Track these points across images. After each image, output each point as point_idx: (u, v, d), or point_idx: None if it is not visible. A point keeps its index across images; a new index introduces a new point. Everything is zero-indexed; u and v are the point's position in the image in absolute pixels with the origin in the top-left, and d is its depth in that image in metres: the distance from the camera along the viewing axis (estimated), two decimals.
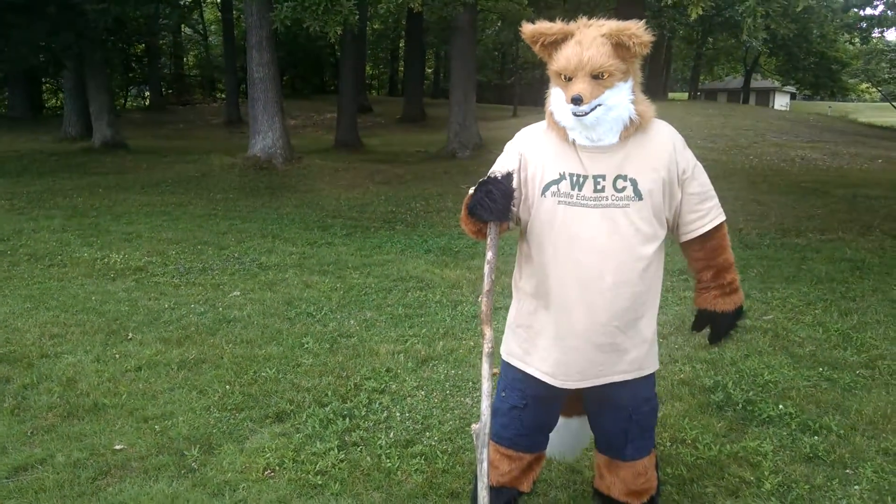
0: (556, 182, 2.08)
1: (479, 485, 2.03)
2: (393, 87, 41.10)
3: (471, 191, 2.09)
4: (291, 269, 6.51)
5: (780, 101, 47.03)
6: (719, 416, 3.53)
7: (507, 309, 5.18)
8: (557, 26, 2.04)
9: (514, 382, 2.30)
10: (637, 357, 2.19)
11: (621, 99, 2.01)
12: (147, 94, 34.69)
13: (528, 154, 2.15)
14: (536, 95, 40.48)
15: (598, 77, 1.98)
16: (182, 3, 24.25)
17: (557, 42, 2.04)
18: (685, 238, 2.22)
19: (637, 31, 1.95)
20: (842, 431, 3.32)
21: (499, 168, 2.17)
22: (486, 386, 2.01)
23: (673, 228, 2.22)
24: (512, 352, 2.30)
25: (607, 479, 2.44)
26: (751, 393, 3.77)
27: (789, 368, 4.13)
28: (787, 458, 3.11)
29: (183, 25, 35.04)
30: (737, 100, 40.76)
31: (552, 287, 2.13)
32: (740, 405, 3.62)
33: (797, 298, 5.62)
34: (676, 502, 2.78)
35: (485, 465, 2.01)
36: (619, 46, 1.97)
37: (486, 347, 2.02)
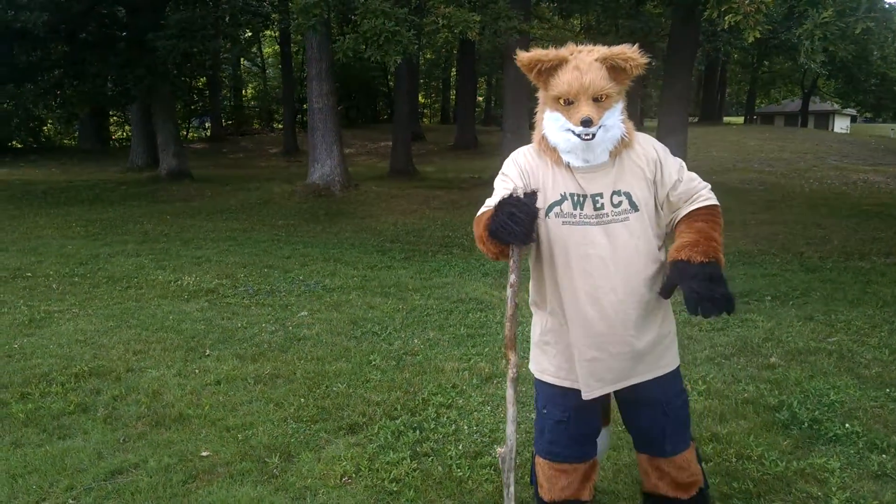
0: (559, 203, 2.18)
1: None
2: (445, 115, 41.67)
3: (483, 209, 2.16)
4: (354, 291, 6.72)
5: (840, 124, 45.95)
6: (785, 434, 3.55)
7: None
8: (553, 53, 2.13)
9: (553, 398, 2.37)
10: (655, 356, 2.28)
11: (616, 119, 2.12)
12: (208, 125, 35.93)
13: (531, 174, 2.23)
14: None
15: (598, 100, 2.08)
16: (242, 37, 25.22)
17: (553, 68, 2.13)
18: (675, 222, 2.22)
19: (632, 53, 2.06)
20: None
21: (503, 187, 2.22)
22: (511, 411, 2.07)
23: (667, 224, 2.26)
24: (544, 369, 2.38)
25: (653, 478, 2.51)
26: (816, 412, 3.77)
27: (855, 389, 4.11)
28: (854, 476, 3.12)
29: (242, 59, 36.33)
30: (794, 123, 40.03)
31: (566, 303, 2.23)
32: (806, 424, 3.63)
33: (862, 321, 5.56)
34: None
35: (511, 489, 2.08)
36: (614, 69, 2.08)
37: (511, 372, 2.09)
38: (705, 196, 2.20)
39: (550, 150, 2.19)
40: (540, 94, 2.22)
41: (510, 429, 2.06)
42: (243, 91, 41.81)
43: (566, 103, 2.11)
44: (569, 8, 22.19)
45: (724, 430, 3.52)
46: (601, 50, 2.12)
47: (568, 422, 2.35)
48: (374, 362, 4.64)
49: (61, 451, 3.37)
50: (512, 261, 2.07)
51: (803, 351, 4.84)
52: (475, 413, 3.82)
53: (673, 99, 12.75)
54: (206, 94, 33.12)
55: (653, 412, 2.36)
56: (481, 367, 4.54)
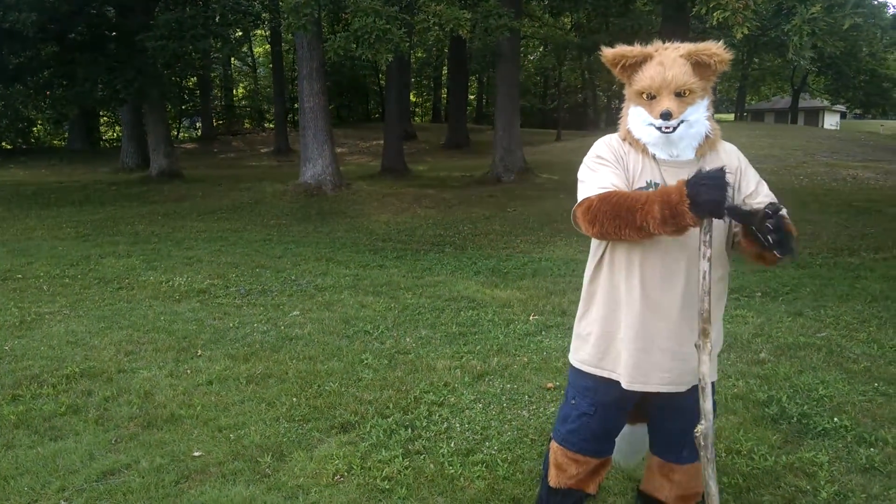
0: (644, 189, 2.16)
1: (712, 483, 2.11)
2: (436, 114, 41.65)
3: (589, 193, 2.10)
4: (346, 290, 6.72)
5: (830, 121, 46.18)
6: (774, 428, 3.58)
7: (557, 327, 5.26)
8: (638, 49, 2.17)
9: (585, 391, 2.36)
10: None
11: (700, 115, 2.13)
12: (199, 125, 35.82)
13: (621, 154, 2.22)
14: (579, 120, 40.61)
15: (681, 95, 2.09)
16: (233, 37, 25.15)
17: (637, 64, 2.16)
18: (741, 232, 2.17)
19: (717, 49, 2.08)
20: None
21: (609, 170, 2.17)
22: (708, 388, 2.05)
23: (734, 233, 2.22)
24: (583, 359, 2.35)
25: (657, 482, 2.52)
26: (805, 407, 3.81)
27: (844, 383, 4.15)
28: (843, 469, 3.15)
29: (233, 58, 36.19)
30: (784, 120, 40.21)
31: (630, 291, 2.20)
32: (795, 418, 3.66)
33: (851, 316, 5.60)
34: None
35: (711, 468, 2.06)
36: (699, 65, 2.10)
37: (709, 347, 2.04)
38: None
39: (636, 142, 2.21)
40: (626, 90, 2.24)
41: (708, 405, 2.05)
42: (234, 91, 41.68)
43: (649, 98, 2.13)
44: (559, 6, 22.23)
45: (715, 425, 3.54)
46: (686, 46, 2.14)
47: (592, 416, 2.35)
48: (366, 361, 4.65)
49: (53, 453, 3.36)
50: (708, 235, 2.01)
51: (793, 346, 4.88)
52: (467, 411, 3.84)
53: None
54: (197, 93, 33.01)
55: (682, 418, 2.34)
56: (473, 364, 4.55)
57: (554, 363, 4.57)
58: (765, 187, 2.26)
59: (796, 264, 7.74)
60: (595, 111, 41.83)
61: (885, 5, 18.49)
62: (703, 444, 2.08)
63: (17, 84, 15.03)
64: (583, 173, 2.23)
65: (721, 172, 1.91)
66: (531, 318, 5.69)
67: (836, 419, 3.63)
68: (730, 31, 7.89)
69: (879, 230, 9.46)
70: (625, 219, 2.00)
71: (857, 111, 41.87)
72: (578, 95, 40.72)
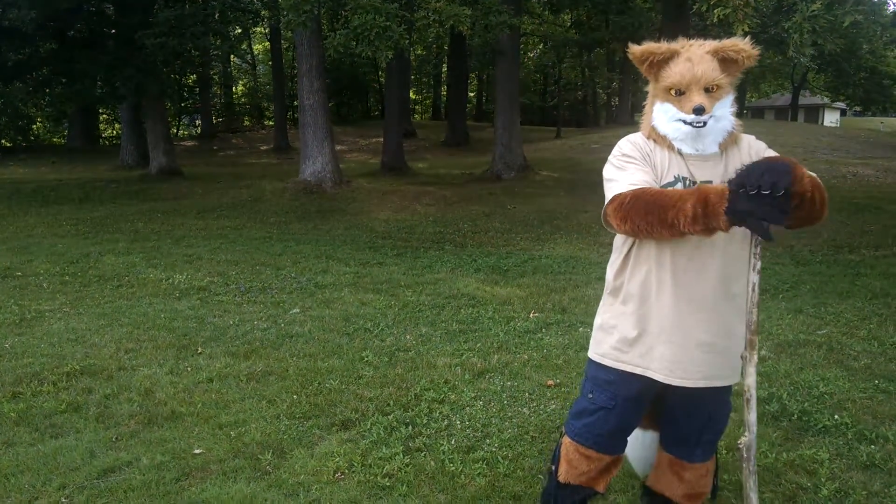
0: (672, 184, 2.17)
1: (753, 496, 2.11)
2: (436, 112, 41.61)
3: (620, 189, 2.09)
4: (346, 288, 6.72)
5: (830, 118, 46.14)
6: (775, 425, 3.58)
7: (557, 324, 5.25)
8: (665, 46, 2.18)
9: (604, 384, 2.34)
10: (736, 363, 2.25)
11: (726, 111, 2.15)
12: (199, 122, 35.77)
13: (648, 152, 2.23)
14: (579, 117, 40.57)
15: (710, 90, 2.11)
16: (232, 34, 25.13)
17: (665, 60, 2.17)
18: None
19: (744, 45, 2.09)
20: None
21: (636, 167, 2.16)
22: (753, 400, 2.04)
23: None
24: (605, 353, 2.33)
25: (667, 479, 2.51)
26: (806, 404, 3.81)
27: (844, 381, 4.15)
28: (843, 466, 3.15)
29: (232, 56, 36.15)
30: (785, 117, 40.16)
31: (658, 283, 2.19)
32: (795, 416, 3.66)
33: (851, 313, 5.60)
34: None
35: (752, 480, 2.06)
36: (726, 61, 2.12)
37: (755, 357, 2.05)
38: None
39: (661, 139, 2.21)
40: (650, 87, 2.25)
41: (752, 417, 2.04)
42: (234, 88, 41.63)
43: (678, 94, 2.14)
44: (559, 3, 22.23)
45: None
46: (712, 43, 2.15)
47: (611, 410, 2.32)
48: (366, 358, 4.64)
49: (53, 450, 3.36)
50: (758, 247, 2.01)
51: (793, 343, 4.88)
52: (467, 408, 3.84)
53: None
54: (197, 91, 32.95)
55: (699, 417, 2.35)
56: (473, 362, 4.55)
57: (554, 360, 4.57)
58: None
59: (796, 261, 7.75)
60: (595, 108, 41.79)
61: (886, 3, 18.47)
62: (745, 455, 2.07)
63: (17, 82, 15.03)
64: (610, 172, 2.22)
65: (778, 190, 1.79)
66: (531, 315, 5.69)
67: (836, 416, 3.63)
68: (730, 28, 7.89)
69: (879, 227, 9.46)
70: (657, 215, 1.99)
71: (857, 108, 41.80)
72: (578, 93, 40.64)
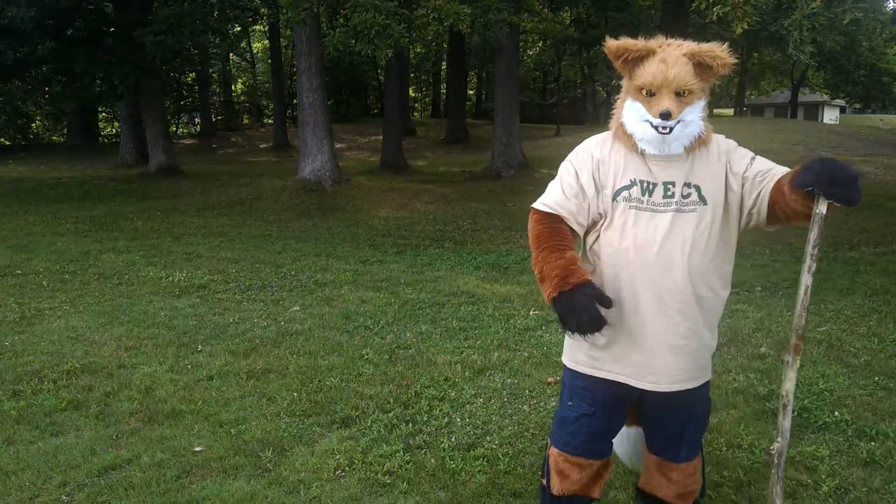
0: (628, 188, 2.17)
1: (778, 501, 2.15)
2: (435, 109, 41.62)
3: (543, 204, 2.20)
4: (346, 286, 6.72)
5: (830, 116, 46.14)
6: (775, 422, 3.57)
7: (557, 322, 5.28)
8: (641, 43, 2.14)
9: (582, 391, 2.35)
10: (706, 363, 2.27)
11: (696, 116, 2.12)
12: (198, 120, 35.76)
13: (601, 158, 2.23)
14: (579, 114, 40.58)
15: (681, 94, 2.08)
16: (231, 32, 25.10)
17: (640, 58, 2.14)
18: (764, 194, 2.16)
19: (720, 52, 2.06)
20: None
21: (568, 181, 2.22)
22: (789, 406, 2.06)
23: (750, 210, 2.20)
24: (578, 360, 2.36)
25: (656, 481, 2.51)
26: (806, 401, 3.81)
27: (844, 378, 4.15)
28: (843, 463, 3.16)
29: (231, 54, 36.14)
30: (784, 115, 40.16)
31: (623, 288, 2.18)
32: (796, 412, 3.66)
33: (851, 310, 5.61)
34: (734, 502, 2.86)
35: (779, 486, 2.07)
36: (700, 66, 2.08)
37: (798, 364, 2.08)
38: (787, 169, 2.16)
39: (626, 137, 2.19)
40: (623, 83, 2.22)
41: (786, 423, 2.04)
42: (233, 86, 41.62)
43: (648, 94, 2.11)
44: (559, 0, 22.19)
45: (715, 420, 3.55)
46: (690, 45, 2.12)
47: (593, 416, 2.33)
48: (366, 356, 4.65)
49: (54, 448, 3.36)
50: (816, 248, 2.07)
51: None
52: (467, 405, 3.84)
53: None
54: (196, 89, 32.96)
55: (678, 417, 2.35)
56: (473, 359, 4.55)
57: (554, 358, 4.57)
58: (761, 160, 2.23)
59: (796, 259, 7.74)
60: (594, 106, 41.78)
61: (885, 0, 18.46)
62: (776, 461, 2.06)
63: (16, 80, 15.01)
64: (559, 170, 2.29)
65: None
66: (531, 313, 5.69)
67: (836, 413, 3.63)
68: (730, 25, 7.89)
69: (879, 224, 9.47)
70: (535, 256, 2.18)
71: (857, 106, 41.79)
72: (577, 90, 40.68)
